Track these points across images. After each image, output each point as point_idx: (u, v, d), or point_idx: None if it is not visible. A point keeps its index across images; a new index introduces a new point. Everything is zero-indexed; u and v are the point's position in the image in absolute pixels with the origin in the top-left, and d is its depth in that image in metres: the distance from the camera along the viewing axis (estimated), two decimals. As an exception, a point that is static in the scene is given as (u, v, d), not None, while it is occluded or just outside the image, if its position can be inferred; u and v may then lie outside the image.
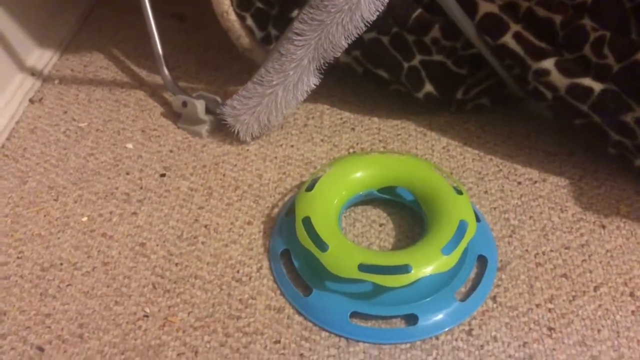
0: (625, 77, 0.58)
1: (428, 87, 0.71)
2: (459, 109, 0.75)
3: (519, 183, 0.68)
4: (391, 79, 0.72)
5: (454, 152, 0.72)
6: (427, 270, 0.53)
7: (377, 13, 0.62)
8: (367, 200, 0.66)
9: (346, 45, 0.64)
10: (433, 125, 0.75)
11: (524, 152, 0.71)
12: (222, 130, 0.75)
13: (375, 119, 0.77)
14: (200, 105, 0.75)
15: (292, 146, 0.74)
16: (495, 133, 0.74)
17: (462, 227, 0.56)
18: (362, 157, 0.65)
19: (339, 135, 0.75)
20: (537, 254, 0.61)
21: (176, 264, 0.62)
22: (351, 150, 0.73)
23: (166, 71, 0.78)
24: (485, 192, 0.67)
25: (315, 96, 0.73)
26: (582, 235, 0.62)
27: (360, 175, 0.63)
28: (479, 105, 0.74)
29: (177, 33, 0.93)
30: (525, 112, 0.76)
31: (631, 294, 0.57)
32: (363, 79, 0.76)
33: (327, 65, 0.67)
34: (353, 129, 0.76)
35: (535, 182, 0.68)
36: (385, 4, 0.63)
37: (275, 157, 0.72)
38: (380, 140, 0.74)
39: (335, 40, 0.63)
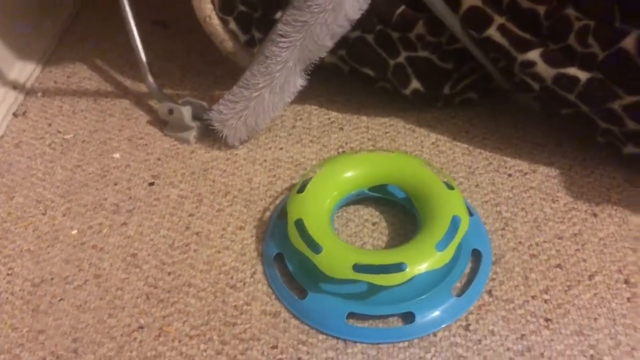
0: (611, 65, 0.58)
1: (415, 84, 0.71)
2: (446, 104, 0.75)
3: (510, 175, 0.68)
4: (378, 76, 0.72)
5: (444, 147, 0.72)
6: (422, 267, 0.53)
7: (361, 12, 0.62)
8: (359, 199, 0.66)
9: (331, 46, 0.64)
10: (421, 122, 0.75)
11: (513, 144, 0.71)
12: (210, 135, 0.74)
13: (364, 118, 0.77)
14: (186, 112, 0.74)
15: (281, 148, 0.73)
16: (484, 127, 0.74)
17: (455, 223, 0.56)
18: (351, 156, 0.64)
19: (327, 135, 0.75)
20: (531, 245, 0.61)
21: (169, 273, 0.61)
22: (340, 150, 0.73)
23: (151, 79, 0.77)
24: (477, 185, 0.67)
25: (302, 97, 0.73)
26: (574, 224, 0.62)
27: (351, 175, 0.63)
28: (466, 100, 0.74)
29: (160, 40, 0.93)
30: (512, 104, 0.76)
31: (626, 281, 0.57)
32: (349, 78, 0.75)
33: (313, 65, 0.67)
34: (341, 129, 0.76)
35: (526, 173, 0.68)
36: (369, 2, 0.63)
37: (265, 160, 0.72)
38: (369, 139, 0.74)
39: (320, 40, 0.62)
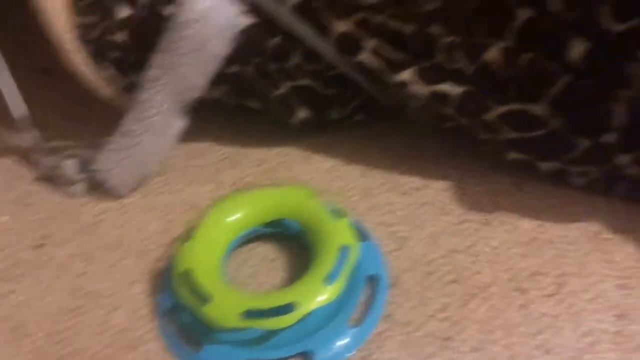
0: (479, 78, 0.59)
1: (301, 113, 0.70)
2: (337, 128, 0.74)
3: (404, 193, 0.68)
4: (264, 108, 0.71)
5: (339, 171, 0.72)
6: (312, 304, 0.52)
7: (230, 48, 0.61)
8: (256, 237, 0.64)
9: (205, 85, 0.62)
10: (316, 148, 0.75)
11: (406, 161, 0.72)
12: (99, 187, 0.71)
13: (259, 150, 0.76)
14: (72, 165, 0.71)
15: (174, 191, 0.71)
16: (377, 146, 0.74)
17: (343, 253, 0.55)
18: (240, 195, 0.63)
19: (222, 172, 0.73)
20: (427, 263, 0.61)
21: (59, 341, 0.58)
22: (236, 186, 0.71)
23: (32, 132, 0.74)
24: (372, 207, 0.67)
25: (194, 135, 0.71)
26: (468, 236, 0.63)
27: (242, 215, 0.61)
28: (357, 122, 0.74)
29: (45, 89, 0.89)
30: (402, 120, 0.76)
31: (518, 289, 0.58)
32: (238, 112, 0.74)
33: (195, 104, 0.65)
34: (237, 164, 0.74)
35: (419, 189, 0.68)
36: (238, 38, 0.62)
37: (158, 206, 0.70)
38: (265, 171, 0.73)
39: (191, 81, 0.61)
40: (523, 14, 0.57)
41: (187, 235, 0.59)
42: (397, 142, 0.74)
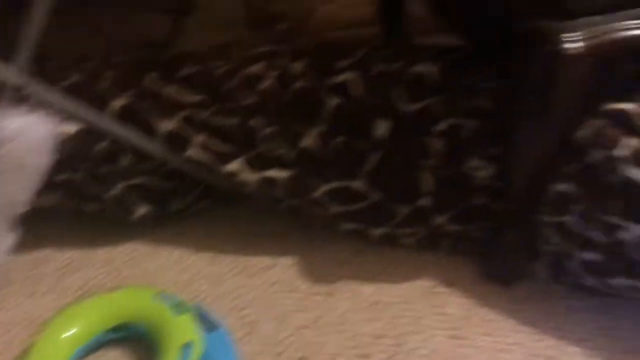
0: (301, 162, 0.64)
1: (142, 209, 0.70)
2: (183, 218, 0.75)
3: (253, 274, 0.70)
4: (101, 209, 0.71)
5: (188, 261, 0.72)
6: (157, 411, 0.51)
7: (53, 159, 0.61)
8: (103, 343, 0.63)
9: (31, 198, 0.61)
10: (163, 240, 0.75)
11: (253, 242, 0.74)
12: None
13: (103, 249, 0.74)
14: None
15: (13, 307, 0.68)
16: (224, 230, 0.76)
17: (186, 350, 0.55)
18: (78, 306, 0.61)
19: (67, 277, 0.71)
20: (277, 343, 0.62)
21: None
22: (82, 292, 0.69)
23: None
24: (222, 294, 0.68)
25: (32, 244, 0.69)
26: (314, 309, 0.65)
27: (81, 326, 0.60)
28: (200, 209, 0.76)
29: None
30: (247, 202, 0.78)
31: (362, 355, 0.60)
32: (76, 216, 0.73)
33: (27, 214, 0.64)
34: (81, 267, 0.72)
35: (268, 268, 0.70)
36: (63, 147, 0.62)
37: (-5, 326, 0.66)
38: (111, 271, 0.72)
39: (14, 197, 0.60)
40: (331, 102, 0.63)
41: (24, 355, 0.57)
42: (243, 224, 0.76)
